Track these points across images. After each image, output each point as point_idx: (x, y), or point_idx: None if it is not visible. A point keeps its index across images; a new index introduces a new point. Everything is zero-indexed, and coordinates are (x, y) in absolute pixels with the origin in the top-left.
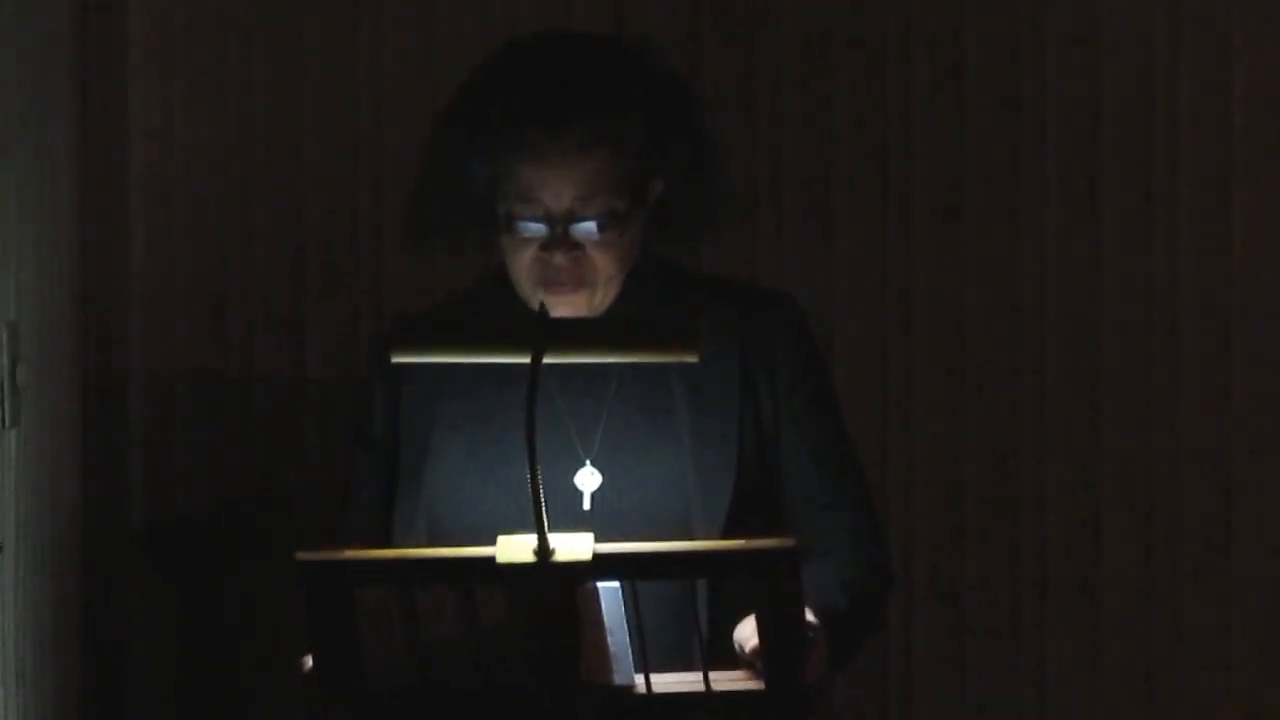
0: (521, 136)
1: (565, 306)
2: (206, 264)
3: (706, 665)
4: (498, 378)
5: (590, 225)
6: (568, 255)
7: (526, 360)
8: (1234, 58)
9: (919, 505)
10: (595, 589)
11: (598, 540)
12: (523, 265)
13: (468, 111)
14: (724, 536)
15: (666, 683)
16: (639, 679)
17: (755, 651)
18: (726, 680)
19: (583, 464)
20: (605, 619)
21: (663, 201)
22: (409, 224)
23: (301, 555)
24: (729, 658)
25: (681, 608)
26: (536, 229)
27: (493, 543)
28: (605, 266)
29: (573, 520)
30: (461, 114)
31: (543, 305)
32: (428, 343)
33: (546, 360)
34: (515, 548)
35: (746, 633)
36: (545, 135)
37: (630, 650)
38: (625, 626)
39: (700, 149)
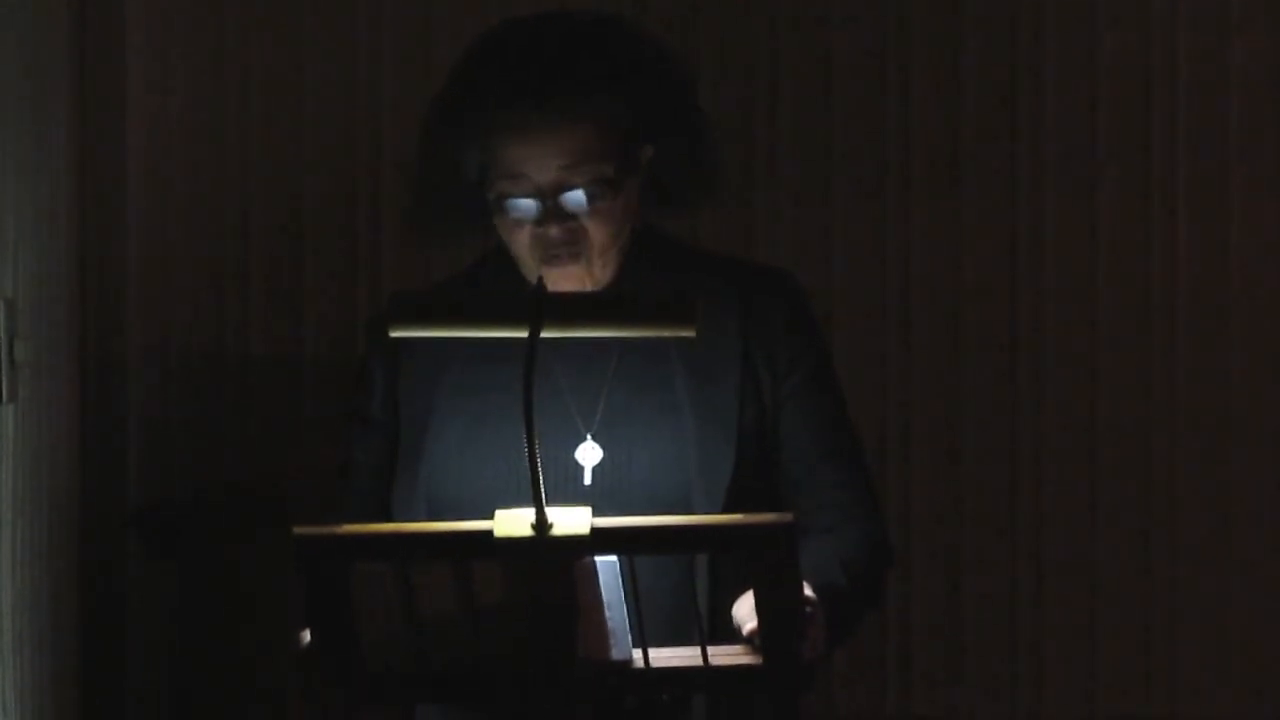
0: (503, 117)
1: (565, 280)
2: (205, 242)
3: (705, 643)
4: (498, 354)
5: (579, 194)
6: (562, 226)
7: (525, 334)
8: (1232, 36)
9: (918, 482)
10: (593, 563)
11: (598, 515)
12: (522, 245)
13: (452, 100)
14: (724, 512)
15: (664, 658)
16: (637, 654)
17: (753, 633)
18: (725, 655)
19: (583, 439)
20: (603, 594)
21: (655, 171)
22: (409, 217)
23: (298, 530)
24: (728, 637)
25: (681, 587)
26: (527, 205)
27: (491, 519)
28: (600, 235)
29: (573, 495)
30: (447, 103)
31: (540, 278)
32: (425, 317)
33: (546, 335)
34: (513, 522)
35: (745, 610)
36: (526, 112)
37: (628, 625)
38: (623, 601)
39: (688, 120)
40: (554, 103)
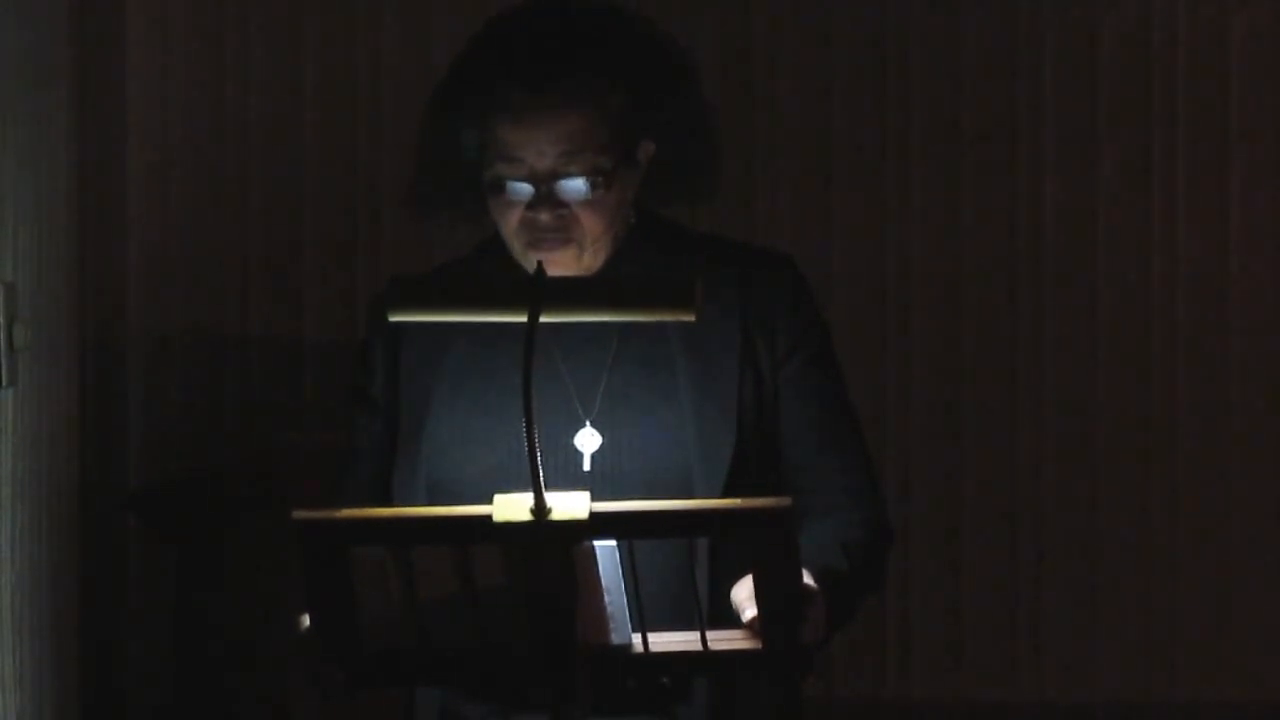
0: (504, 100)
1: (553, 265)
2: (204, 227)
3: (704, 627)
4: (499, 338)
5: (576, 183)
6: (553, 213)
7: (524, 319)
8: (1233, 15)
9: (917, 465)
10: (592, 548)
11: (597, 501)
12: (511, 226)
13: (455, 82)
14: (724, 497)
15: (664, 642)
16: (636, 638)
17: (753, 621)
18: (724, 640)
19: (583, 425)
20: (602, 578)
21: (659, 163)
22: (410, 197)
23: (298, 514)
24: (728, 621)
25: (680, 571)
26: (522, 189)
27: (491, 503)
28: (592, 225)
29: (573, 481)
30: (450, 85)
31: (539, 265)
32: (425, 302)
33: (546, 320)
34: (512, 507)
35: (744, 595)
36: (526, 96)
37: (627, 610)
38: (622, 586)
39: (690, 111)
40: (554, 88)
